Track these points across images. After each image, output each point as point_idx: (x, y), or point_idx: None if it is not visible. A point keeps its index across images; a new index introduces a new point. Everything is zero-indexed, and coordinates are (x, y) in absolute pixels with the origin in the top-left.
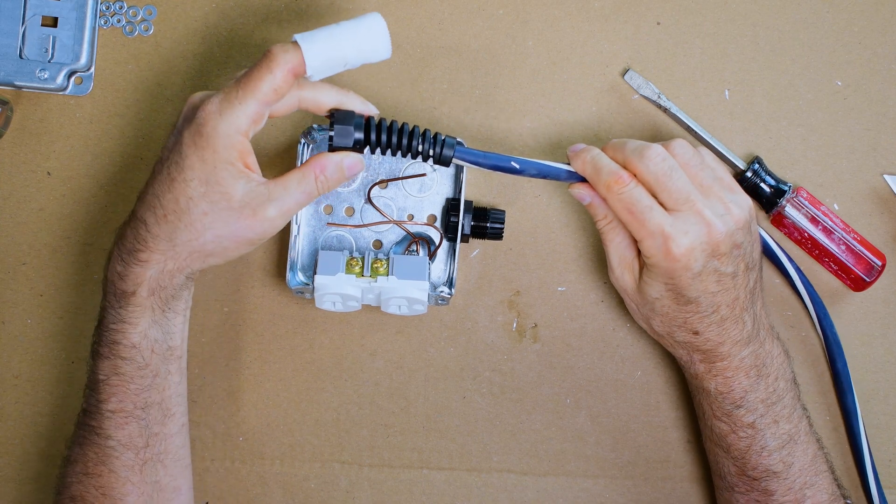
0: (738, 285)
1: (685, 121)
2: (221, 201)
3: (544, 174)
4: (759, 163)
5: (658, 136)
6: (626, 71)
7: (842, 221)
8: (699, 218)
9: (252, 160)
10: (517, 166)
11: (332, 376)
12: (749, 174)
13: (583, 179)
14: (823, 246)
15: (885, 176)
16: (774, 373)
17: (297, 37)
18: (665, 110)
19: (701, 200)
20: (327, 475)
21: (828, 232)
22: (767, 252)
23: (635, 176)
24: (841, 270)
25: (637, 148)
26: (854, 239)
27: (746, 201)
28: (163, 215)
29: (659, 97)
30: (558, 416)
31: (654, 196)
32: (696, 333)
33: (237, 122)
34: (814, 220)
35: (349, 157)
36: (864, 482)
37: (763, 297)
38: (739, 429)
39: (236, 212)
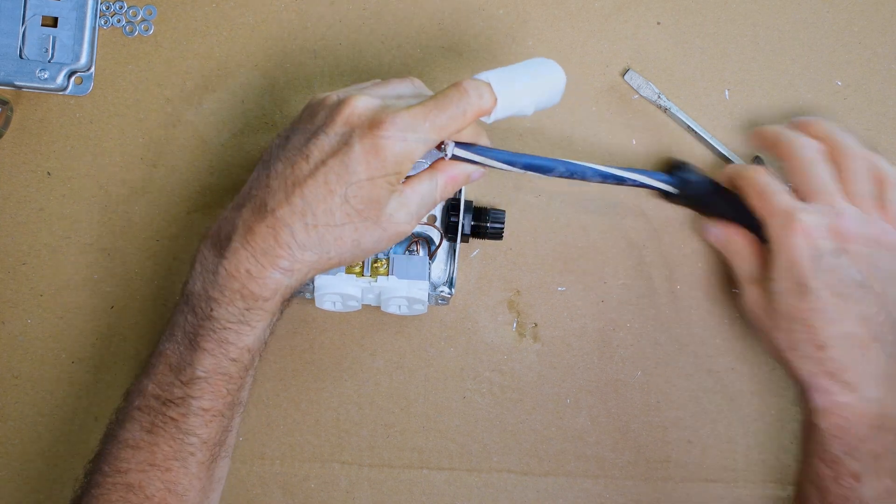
0: (870, 301)
1: (685, 121)
2: (372, 216)
3: (571, 171)
4: (759, 163)
5: (658, 136)
6: (626, 71)
7: None
8: (830, 205)
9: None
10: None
11: (332, 376)
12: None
13: (607, 180)
14: None
15: None
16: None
17: (492, 80)
18: (665, 110)
19: (841, 194)
20: (327, 475)
21: None
22: None
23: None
24: None
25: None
26: None
27: None
28: (313, 226)
29: (659, 97)
30: (558, 416)
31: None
32: (821, 348)
33: (416, 150)
34: None
35: (477, 172)
36: None
37: None
38: (842, 477)
39: (381, 226)
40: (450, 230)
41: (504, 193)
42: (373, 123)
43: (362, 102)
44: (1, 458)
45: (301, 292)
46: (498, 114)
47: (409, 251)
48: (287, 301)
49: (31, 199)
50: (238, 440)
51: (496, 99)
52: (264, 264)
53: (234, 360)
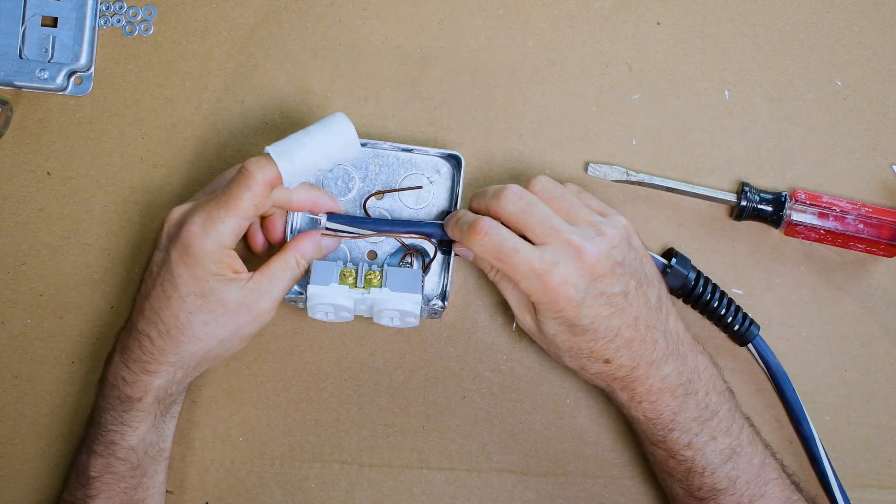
0: (634, 303)
1: (662, 184)
2: (218, 308)
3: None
4: (746, 188)
5: (658, 136)
6: (586, 165)
7: (848, 203)
8: (567, 245)
9: (239, 264)
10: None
11: (332, 376)
12: (743, 203)
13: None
14: (842, 233)
15: (895, 166)
16: (703, 388)
17: (270, 150)
18: (640, 184)
19: (567, 228)
20: (327, 475)
21: (840, 219)
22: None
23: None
24: (870, 246)
25: (495, 192)
26: (867, 213)
27: (620, 220)
28: (165, 331)
29: (628, 175)
30: (558, 416)
31: (522, 234)
32: (608, 362)
33: (221, 239)
34: (822, 215)
35: (327, 239)
36: (824, 484)
37: (675, 312)
38: (677, 452)
39: (234, 314)
40: (444, 243)
41: None
42: (179, 227)
43: (177, 211)
44: (1, 458)
45: (294, 301)
46: (291, 179)
47: (403, 263)
48: (168, 404)
49: (31, 199)
50: (238, 440)
51: (278, 169)
52: (135, 370)
53: (120, 459)
